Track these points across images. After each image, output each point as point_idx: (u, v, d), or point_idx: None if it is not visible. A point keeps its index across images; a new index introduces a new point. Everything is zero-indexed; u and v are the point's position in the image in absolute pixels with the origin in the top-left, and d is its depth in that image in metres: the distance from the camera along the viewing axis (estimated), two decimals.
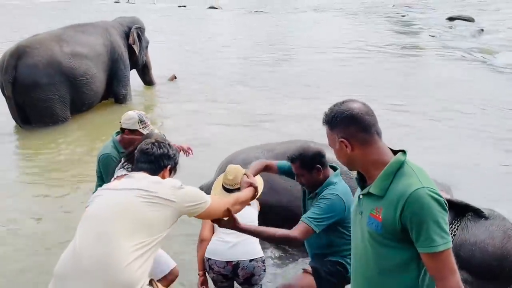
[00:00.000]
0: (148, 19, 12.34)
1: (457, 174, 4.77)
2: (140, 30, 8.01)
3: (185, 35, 15.53)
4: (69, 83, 6.63)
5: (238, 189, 2.39)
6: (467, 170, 5.00)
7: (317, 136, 3.27)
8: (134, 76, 8.54)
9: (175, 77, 9.11)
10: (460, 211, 3.11)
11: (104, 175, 2.94)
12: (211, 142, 5.77)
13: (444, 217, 1.42)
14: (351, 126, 1.51)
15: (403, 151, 1.54)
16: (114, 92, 7.59)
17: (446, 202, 1.45)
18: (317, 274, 2.37)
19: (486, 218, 3.04)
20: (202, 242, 2.73)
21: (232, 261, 2.57)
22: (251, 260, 2.58)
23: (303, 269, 2.51)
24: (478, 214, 3.07)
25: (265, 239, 2.20)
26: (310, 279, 2.40)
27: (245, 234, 2.53)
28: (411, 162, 1.52)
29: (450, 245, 1.42)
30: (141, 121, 2.97)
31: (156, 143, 1.98)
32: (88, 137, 6.48)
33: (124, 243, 1.68)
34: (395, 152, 1.55)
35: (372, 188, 1.51)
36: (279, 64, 10.85)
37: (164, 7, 26.57)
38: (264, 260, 2.66)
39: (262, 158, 3.25)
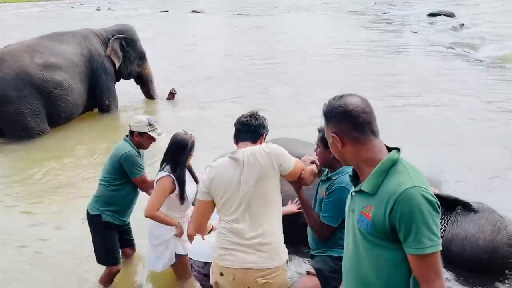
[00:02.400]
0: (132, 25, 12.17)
1: (446, 168, 4.77)
2: (125, 40, 7.41)
3: (175, 40, 15.39)
4: (42, 95, 6.30)
5: None
6: (455, 163, 5.01)
7: None
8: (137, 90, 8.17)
9: (173, 93, 8.10)
10: (450, 205, 3.11)
11: (130, 172, 3.06)
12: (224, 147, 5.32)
13: (435, 219, 1.36)
14: (343, 123, 1.46)
15: (398, 149, 1.49)
16: (98, 103, 7.26)
17: (439, 203, 1.40)
18: (321, 274, 2.35)
19: (475, 211, 3.04)
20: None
21: (209, 262, 2.53)
22: None
23: (307, 271, 2.48)
24: (467, 207, 3.07)
25: (306, 216, 2.43)
26: (315, 281, 2.37)
27: None
28: (405, 160, 1.46)
29: (439, 248, 1.36)
30: (149, 124, 3.06)
31: (253, 116, 2.30)
32: (68, 150, 6.19)
33: (275, 223, 2.21)
34: (390, 149, 1.50)
35: (364, 186, 1.46)
36: (276, 66, 10.77)
37: (146, 13, 26.40)
38: None
39: None
